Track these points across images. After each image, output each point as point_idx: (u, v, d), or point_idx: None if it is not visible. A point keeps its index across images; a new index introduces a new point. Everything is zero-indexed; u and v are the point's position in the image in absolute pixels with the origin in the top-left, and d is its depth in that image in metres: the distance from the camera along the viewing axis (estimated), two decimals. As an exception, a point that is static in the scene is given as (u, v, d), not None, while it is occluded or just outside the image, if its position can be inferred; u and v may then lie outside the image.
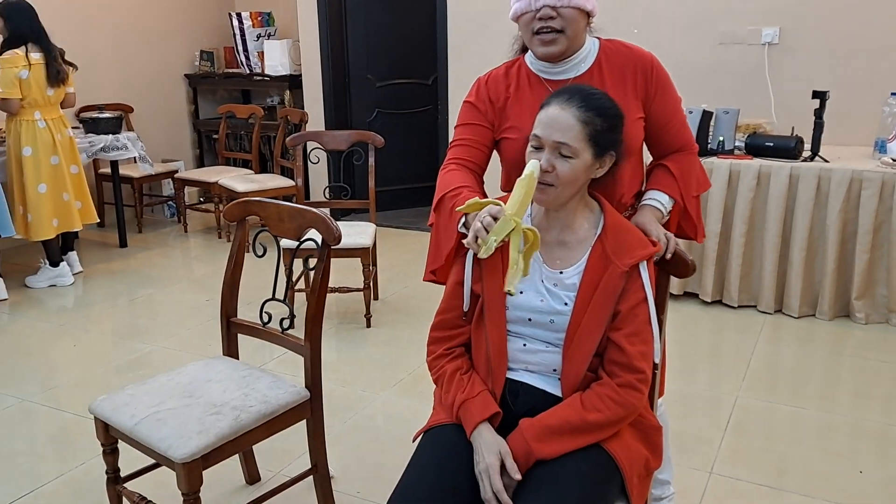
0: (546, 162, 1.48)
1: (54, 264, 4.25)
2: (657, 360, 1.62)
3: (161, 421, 1.79)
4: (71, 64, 4.20)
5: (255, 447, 2.28)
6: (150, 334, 3.58)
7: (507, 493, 1.39)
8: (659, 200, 1.75)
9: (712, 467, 2.41)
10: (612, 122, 1.54)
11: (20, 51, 3.92)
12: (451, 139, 1.84)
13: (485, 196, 1.60)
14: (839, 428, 2.66)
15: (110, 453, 1.95)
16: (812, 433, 2.63)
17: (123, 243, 5.06)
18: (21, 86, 3.92)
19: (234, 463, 2.29)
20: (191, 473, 1.72)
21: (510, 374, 1.58)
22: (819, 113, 3.57)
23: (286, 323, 2.05)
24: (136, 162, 4.98)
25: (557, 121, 1.48)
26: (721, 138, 3.78)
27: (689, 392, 2.94)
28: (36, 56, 3.97)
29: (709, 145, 3.80)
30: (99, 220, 4.65)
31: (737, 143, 3.83)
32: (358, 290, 3.62)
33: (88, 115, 4.82)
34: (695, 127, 3.74)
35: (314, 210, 1.98)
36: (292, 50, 5.73)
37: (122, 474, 2.00)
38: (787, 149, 3.62)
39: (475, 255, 1.54)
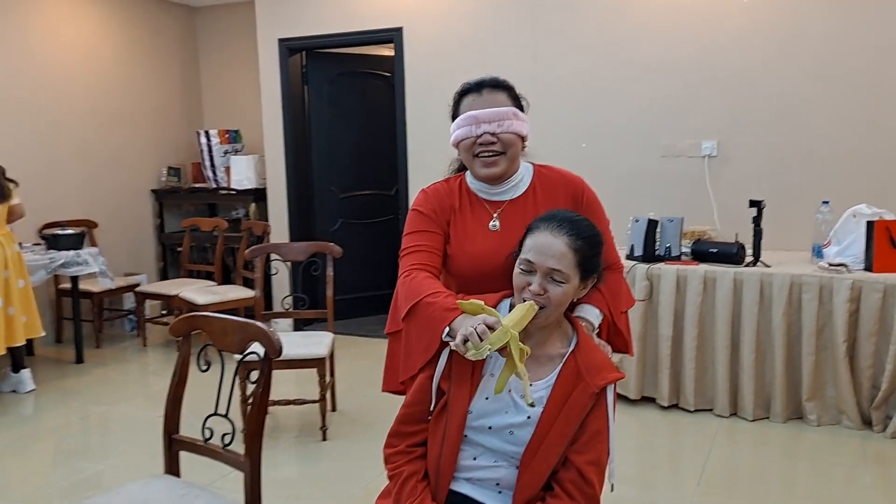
0: (538, 286, 1.57)
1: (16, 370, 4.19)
2: (612, 481, 1.65)
3: (91, 546, 1.74)
4: (11, 180, 4.26)
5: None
6: (100, 453, 3.49)
7: None
8: (588, 317, 1.81)
9: (666, 579, 2.37)
10: (597, 248, 1.65)
11: None
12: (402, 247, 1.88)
13: None
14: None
15: (38, 583, 1.87)
16: (767, 540, 2.60)
17: (80, 359, 4.98)
18: None
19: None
20: None
21: (454, 485, 1.59)
22: (757, 220, 3.75)
23: (227, 438, 2.04)
24: (97, 277, 4.99)
25: (550, 248, 1.57)
26: (668, 245, 3.93)
27: (646, 498, 2.91)
28: None
29: (656, 252, 3.93)
30: (45, 333, 4.58)
31: (683, 250, 3.97)
32: (314, 401, 3.59)
33: (50, 232, 4.86)
34: (641, 235, 3.89)
35: (256, 323, 2.01)
36: (258, 164, 5.90)
37: None
38: (730, 254, 3.76)
39: (449, 355, 1.59)
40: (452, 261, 1.83)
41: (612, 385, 1.60)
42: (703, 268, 3.74)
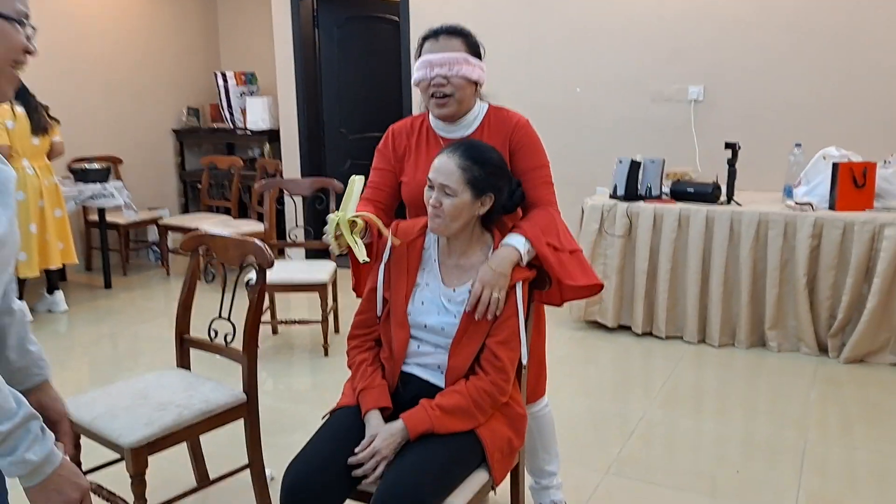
0: (434, 199, 1.85)
1: (20, 297, 4.58)
2: (524, 362, 1.96)
3: (115, 416, 2.12)
4: (54, 118, 4.61)
5: (205, 453, 2.59)
6: (128, 363, 3.91)
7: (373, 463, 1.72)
8: (511, 242, 1.92)
9: (608, 469, 2.72)
10: (489, 169, 1.88)
11: (7, 105, 4.34)
12: None
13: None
14: (733, 437, 2.97)
15: (75, 446, 2.27)
16: (705, 443, 2.94)
17: (108, 285, 5.41)
18: (9, 135, 4.33)
19: (186, 465, 2.60)
20: (137, 458, 2.04)
21: (405, 367, 1.93)
22: (731, 161, 3.98)
23: (229, 337, 2.40)
24: (122, 209, 5.37)
25: (443, 167, 1.86)
26: (649, 185, 4.18)
27: (602, 408, 3.26)
28: (20, 110, 4.39)
29: (638, 191, 4.20)
30: (78, 262, 5.00)
31: (664, 190, 4.23)
32: (317, 322, 3.96)
33: (78, 166, 5.22)
34: (624, 175, 4.15)
35: (253, 240, 2.34)
36: (272, 106, 6.20)
37: (85, 468, 2.31)
38: (705, 194, 4.01)
39: (385, 265, 1.93)
40: (405, 189, 2.12)
41: (519, 282, 1.90)
42: (679, 206, 4.00)
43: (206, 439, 2.54)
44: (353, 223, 1.82)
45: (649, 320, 4.15)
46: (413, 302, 1.92)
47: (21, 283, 4.58)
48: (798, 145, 4.01)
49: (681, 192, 4.10)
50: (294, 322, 3.99)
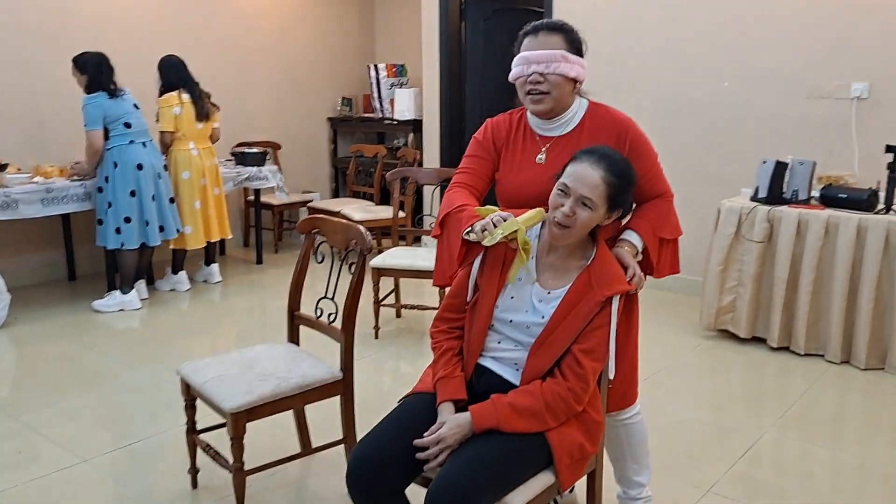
0: (569, 209, 1.80)
1: (175, 271, 5.06)
2: (611, 377, 1.91)
3: (222, 382, 2.31)
4: (215, 105, 5.04)
5: (314, 422, 2.75)
6: (259, 335, 4.21)
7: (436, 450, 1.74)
8: (630, 239, 2.03)
9: (710, 487, 2.57)
10: (628, 186, 1.87)
11: (175, 93, 4.81)
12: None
13: None
14: (859, 469, 2.70)
15: (189, 407, 2.50)
16: (825, 473, 2.69)
17: (260, 261, 5.84)
18: (176, 121, 4.79)
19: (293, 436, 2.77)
20: (237, 422, 2.21)
21: (481, 360, 1.94)
22: (893, 167, 3.58)
23: (332, 317, 2.52)
24: (275, 191, 5.77)
25: (586, 178, 1.80)
26: (796, 188, 3.87)
27: (718, 423, 3.07)
28: (186, 97, 4.84)
29: (783, 194, 3.89)
30: (232, 236, 5.44)
31: (813, 194, 3.89)
32: (432, 308, 4.05)
33: (239, 150, 5.67)
34: (767, 177, 3.87)
35: (356, 225, 2.45)
36: (418, 97, 6.37)
37: (199, 427, 2.53)
38: (859, 201, 3.65)
39: (483, 258, 1.93)
40: (499, 186, 2.10)
41: (618, 296, 1.84)
42: (828, 213, 3.67)
43: (314, 410, 2.67)
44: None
45: (787, 334, 3.85)
46: (503, 296, 1.91)
47: (184, 254, 5.08)
48: (979, 150, 3.53)
49: (831, 198, 3.75)
50: (414, 307, 4.11)
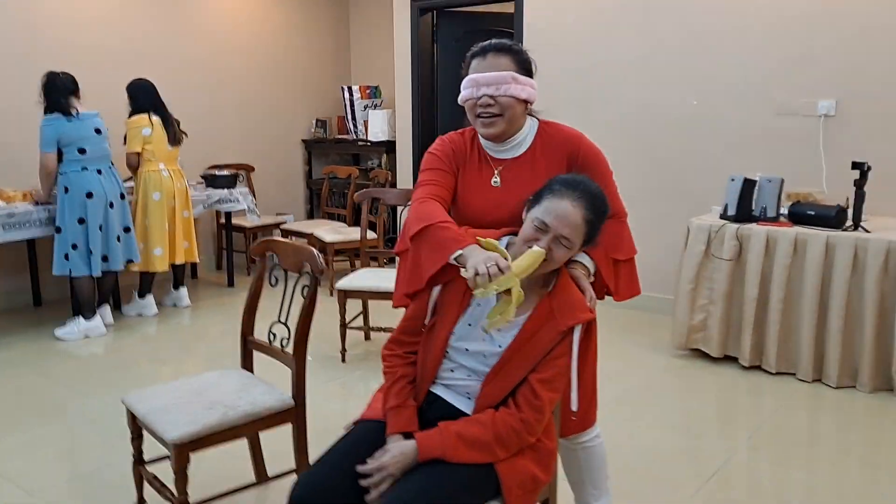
0: (546, 245, 1.72)
1: (142, 295, 4.96)
2: (574, 408, 1.84)
3: (166, 412, 2.22)
4: (183, 132, 5.00)
5: (265, 452, 2.66)
6: (220, 360, 4.12)
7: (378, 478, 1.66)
8: (583, 261, 1.96)
9: (675, 512, 2.51)
10: (603, 220, 1.82)
11: (145, 114, 4.74)
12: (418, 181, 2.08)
13: None
14: (827, 491, 2.64)
15: (136, 438, 2.41)
16: (797, 494, 2.63)
17: (231, 283, 5.75)
18: (144, 141, 4.72)
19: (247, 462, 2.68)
20: (179, 454, 2.12)
21: (433, 387, 1.87)
22: (859, 183, 3.57)
23: (285, 342, 2.45)
24: (245, 214, 5.70)
25: (567, 218, 1.72)
26: (764, 206, 3.85)
27: (686, 444, 3.01)
28: (156, 119, 4.78)
29: (752, 212, 3.87)
30: (199, 261, 5.36)
31: (781, 211, 3.87)
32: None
33: (209, 173, 5.60)
34: (736, 194, 3.85)
35: (308, 248, 2.39)
36: (391, 118, 6.35)
37: (146, 458, 2.44)
38: (827, 217, 3.63)
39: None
40: (456, 207, 2.03)
41: (579, 326, 1.78)
42: (796, 230, 3.64)
43: (273, 437, 2.58)
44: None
45: (758, 352, 3.81)
46: (460, 322, 1.83)
47: (151, 277, 4.99)
48: (943, 165, 3.53)
49: (800, 215, 3.74)
50: (382, 329, 4.03)
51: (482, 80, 1.90)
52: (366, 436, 1.82)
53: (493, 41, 1.97)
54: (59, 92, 4.33)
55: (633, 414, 3.34)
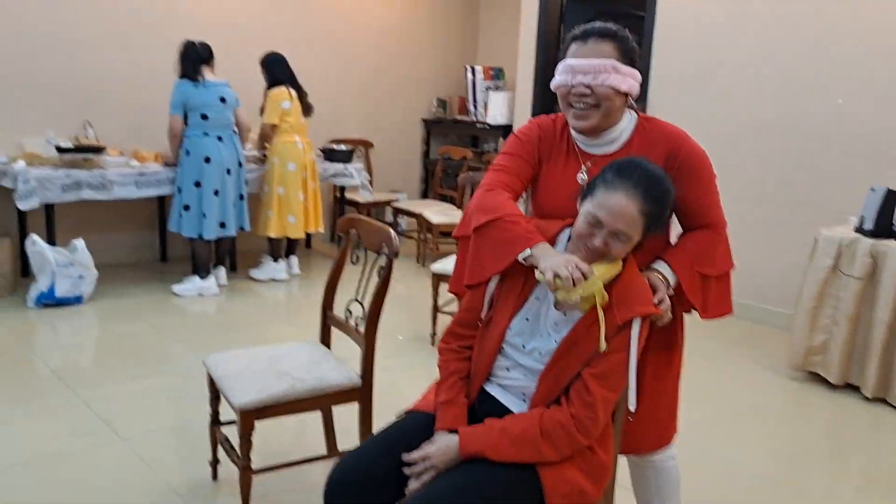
0: (601, 242, 1.62)
1: (276, 259, 5.14)
2: (632, 408, 1.70)
3: (238, 377, 2.27)
4: (310, 104, 5.12)
5: (340, 426, 2.67)
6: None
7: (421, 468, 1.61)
8: (663, 272, 1.80)
9: (756, 550, 2.29)
10: (667, 207, 1.68)
11: (284, 87, 4.89)
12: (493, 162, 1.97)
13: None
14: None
15: (214, 399, 2.48)
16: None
17: (341, 256, 5.87)
18: (284, 115, 4.87)
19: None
20: (245, 420, 2.16)
21: (487, 385, 1.78)
22: None
23: (359, 320, 2.43)
24: (358, 189, 5.79)
25: (623, 212, 1.60)
26: (908, 221, 3.44)
27: (783, 476, 2.74)
28: (293, 92, 4.93)
29: (892, 226, 3.47)
30: (323, 231, 5.50)
31: (930, 229, 3.44)
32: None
33: (328, 146, 5.73)
34: (875, 207, 3.47)
35: (387, 228, 2.36)
36: (512, 102, 6.22)
37: (223, 419, 2.52)
38: (984, 240, 3.19)
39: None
40: (537, 200, 1.90)
41: (638, 319, 1.63)
42: (943, 251, 3.23)
43: (348, 412, 2.58)
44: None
45: (884, 384, 3.42)
46: (518, 317, 1.74)
47: (286, 242, 5.19)
48: None
49: (951, 234, 3.31)
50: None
51: (579, 66, 1.74)
52: (414, 427, 1.76)
53: (598, 24, 1.79)
54: (192, 60, 4.55)
55: (732, 436, 3.09)
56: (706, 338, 4.19)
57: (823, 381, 3.62)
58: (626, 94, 1.78)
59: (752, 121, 4.46)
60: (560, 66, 1.80)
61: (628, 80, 1.75)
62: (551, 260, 1.60)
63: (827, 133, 4.22)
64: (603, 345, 1.59)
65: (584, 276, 1.56)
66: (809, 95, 4.27)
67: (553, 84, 1.83)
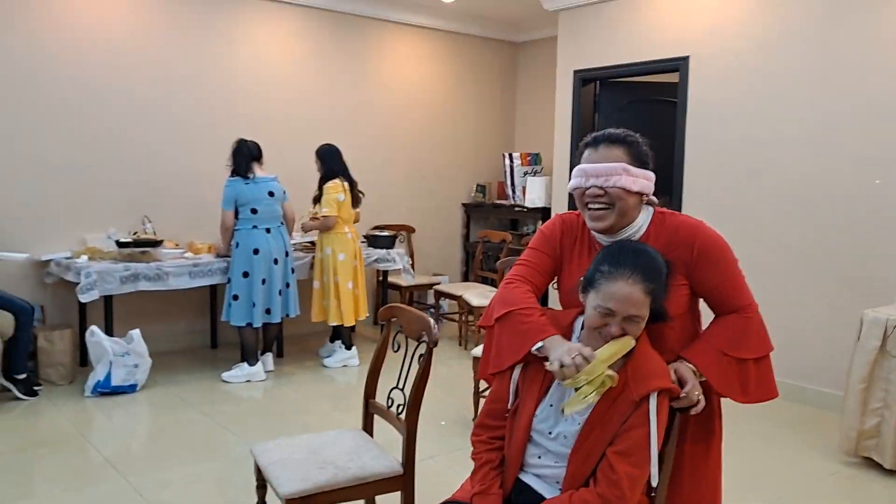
0: (617, 328, 1.72)
1: (348, 347, 5.28)
2: (653, 483, 1.73)
3: (284, 466, 2.34)
4: (362, 192, 5.32)
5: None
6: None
7: None
8: (691, 362, 1.86)
9: None
10: (664, 278, 1.78)
11: (339, 180, 5.11)
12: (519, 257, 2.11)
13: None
14: None
15: (260, 487, 2.55)
16: None
17: (384, 340, 5.96)
18: (338, 206, 5.08)
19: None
20: (290, 508, 2.21)
21: (522, 476, 1.83)
22: None
23: (401, 408, 2.50)
24: (401, 273, 5.92)
25: (630, 298, 1.70)
26: (955, 299, 3.39)
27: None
28: (346, 185, 5.14)
29: (939, 305, 3.42)
30: (368, 315, 5.60)
31: (977, 306, 3.38)
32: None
33: (371, 233, 5.92)
34: (918, 283, 3.42)
35: (426, 318, 2.45)
36: (549, 185, 6.37)
37: (269, 507, 2.57)
38: None
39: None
40: (561, 289, 2.00)
41: (654, 393, 1.68)
42: None
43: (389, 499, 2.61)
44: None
45: (936, 466, 3.30)
46: (543, 403, 1.80)
47: (349, 329, 5.28)
48: None
49: None
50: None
51: (591, 170, 1.86)
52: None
53: (608, 131, 1.94)
54: (244, 157, 4.82)
55: (781, 523, 3.01)
56: (759, 421, 4.11)
57: (878, 466, 3.50)
58: (639, 194, 1.88)
59: (794, 197, 4.48)
60: (575, 171, 1.93)
61: (640, 180, 1.86)
62: (558, 350, 1.71)
63: (872, 211, 4.21)
64: (569, 409, 1.66)
65: (587, 361, 1.64)
66: (851, 174, 4.29)
67: (569, 187, 1.96)
